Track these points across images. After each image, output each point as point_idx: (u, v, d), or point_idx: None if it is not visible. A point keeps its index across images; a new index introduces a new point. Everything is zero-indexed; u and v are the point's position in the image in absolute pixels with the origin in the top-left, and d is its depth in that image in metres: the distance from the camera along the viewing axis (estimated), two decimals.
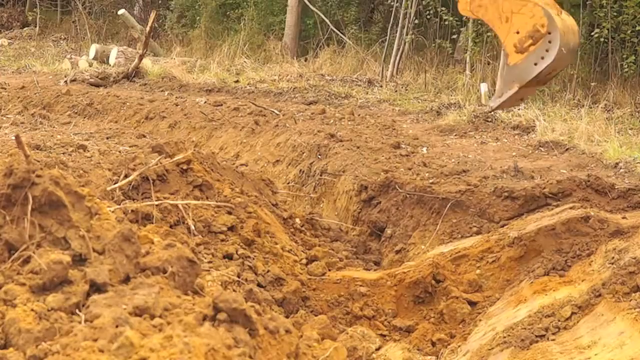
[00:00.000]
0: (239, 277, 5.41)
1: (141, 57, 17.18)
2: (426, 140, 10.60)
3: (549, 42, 5.31)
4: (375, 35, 19.80)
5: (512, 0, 5.36)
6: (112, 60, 19.10)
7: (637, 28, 13.45)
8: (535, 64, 5.35)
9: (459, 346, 5.33)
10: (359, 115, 12.15)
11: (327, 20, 19.08)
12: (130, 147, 9.50)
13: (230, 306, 2.78)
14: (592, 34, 13.99)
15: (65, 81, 16.44)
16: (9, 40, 23.98)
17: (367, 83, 16.06)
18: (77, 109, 14.17)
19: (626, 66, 13.43)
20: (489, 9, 5.42)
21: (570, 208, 6.59)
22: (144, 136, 11.46)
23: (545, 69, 5.39)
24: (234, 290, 5.00)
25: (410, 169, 8.55)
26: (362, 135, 10.22)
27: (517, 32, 5.33)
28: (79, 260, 2.97)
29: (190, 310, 2.83)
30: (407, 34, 16.32)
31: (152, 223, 5.32)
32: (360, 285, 6.23)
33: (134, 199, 5.84)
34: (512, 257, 6.35)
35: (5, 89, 15.59)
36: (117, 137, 10.71)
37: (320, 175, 9.13)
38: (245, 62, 18.62)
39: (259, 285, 5.57)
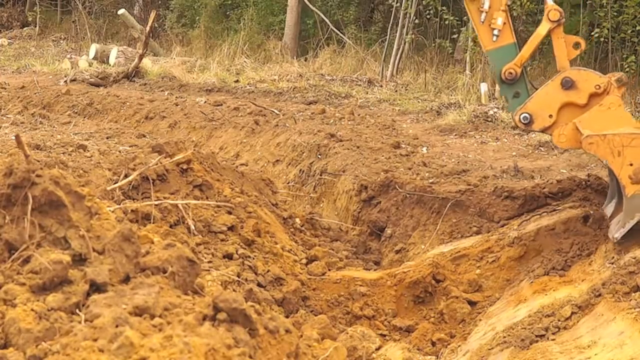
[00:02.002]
0: (239, 277, 5.41)
1: (141, 57, 17.18)
2: (426, 140, 10.60)
3: None
4: (375, 35, 19.81)
5: (621, 135, 5.50)
6: (112, 60, 19.10)
7: (637, 28, 13.45)
8: None
9: (459, 346, 5.33)
10: (359, 115, 12.15)
11: (327, 20, 19.08)
12: (130, 147, 9.51)
13: (230, 306, 2.78)
14: (592, 33, 14.00)
15: (65, 81, 16.45)
16: (9, 40, 23.99)
17: (367, 83, 16.06)
18: (77, 109, 14.17)
19: (626, 66, 13.43)
20: (600, 145, 5.52)
21: (570, 207, 6.59)
22: (144, 136, 11.46)
23: None
24: (234, 290, 5.00)
25: (410, 169, 8.55)
26: (362, 135, 10.22)
27: (631, 164, 5.46)
28: (79, 260, 2.97)
29: (190, 310, 2.83)
30: (407, 34, 16.32)
31: (152, 223, 5.32)
32: (360, 285, 6.23)
33: (134, 199, 5.84)
34: (512, 256, 6.34)
35: (5, 88, 15.59)
36: (117, 137, 10.71)
37: (320, 175, 9.13)
38: (245, 62, 18.62)
39: (259, 285, 5.57)
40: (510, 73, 5.98)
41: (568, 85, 5.84)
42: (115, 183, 5.92)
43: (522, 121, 5.94)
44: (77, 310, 2.74)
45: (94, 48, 19.85)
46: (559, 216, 6.45)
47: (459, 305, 5.98)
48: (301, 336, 3.42)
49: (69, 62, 19.09)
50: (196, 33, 21.55)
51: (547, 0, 6.07)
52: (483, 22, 5.95)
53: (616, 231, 5.46)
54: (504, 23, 5.94)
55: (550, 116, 5.89)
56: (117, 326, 2.58)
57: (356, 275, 6.38)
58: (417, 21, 16.97)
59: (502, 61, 6.00)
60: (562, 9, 6.12)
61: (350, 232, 7.87)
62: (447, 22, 15.46)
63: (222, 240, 5.86)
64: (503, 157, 9.43)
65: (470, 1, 5.95)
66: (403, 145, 9.83)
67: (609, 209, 6.17)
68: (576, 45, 6.02)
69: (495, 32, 5.95)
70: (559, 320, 4.73)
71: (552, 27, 5.93)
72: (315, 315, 5.63)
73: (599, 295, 4.72)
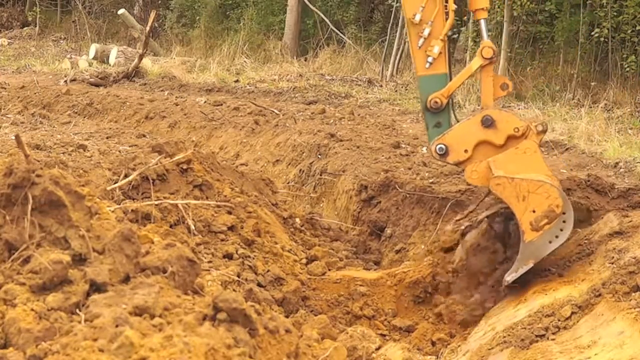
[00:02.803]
0: (238, 276, 5.41)
1: (141, 57, 17.18)
2: (426, 140, 10.58)
3: (564, 221, 5.54)
4: (375, 35, 19.81)
5: (529, 181, 5.54)
6: (112, 60, 19.10)
7: (637, 28, 13.45)
8: (550, 242, 5.55)
9: (459, 346, 5.33)
10: (359, 115, 12.15)
11: (327, 20, 19.08)
12: (130, 146, 9.51)
13: (230, 306, 2.78)
14: (592, 33, 14.00)
15: (65, 81, 16.44)
16: (9, 40, 23.98)
17: (367, 83, 16.06)
18: (77, 109, 14.17)
19: (627, 66, 13.43)
20: (507, 187, 5.57)
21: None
22: (144, 136, 11.46)
23: (559, 247, 5.61)
24: (234, 290, 5.00)
25: (410, 169, 8.55)
26: (362, 135, 10.22)
27: (534, 211, 5.51)
28: (79, 260, 2.97)
29: (190, 310, 2.83)
30: (407, 34, 16.31)
31: (152, 223, 5.32)
32: (360, 285, 6.24)
33: (134, 199, 5.84)
34: None
35: (5, 88, 15.59)
36: (117, 137, 10.71)
37: (320, 175, 9.13)
38: (245, 61, 18.62)
39: (258, 284, 5.57)
40: (436, 102, 5.96)
41: (488, 123, 5.84)
42: (115, 183, 5.93)
43: (438, 152, 5.93)
44: (77, 310, 2.74)
45: (94, 48, 19.85)
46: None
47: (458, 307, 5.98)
48: (301, 336, 3.42)
49: (69, 62, 19.09)
50: (196, 33, 21.56)
51: (483, 37, 6.09)
52: (420, 47, 5.94)
53: (508, 274, 5.54)
54: (440, 53, 5.93)
55: (466, 151, 5.89)
56: (117, 326, 2.58)
57: (356, 275, 6.38)
58: None
59: (430, 89, 5.98)
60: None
61: (350, 232, 7.87)
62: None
63: (222, 240, 5.86)
64: None
65: (412, 24, 5.94)
66: (403, 145, 9.83)
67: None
68: (504, 86, 6.02)
69: (430, 59, 5.94)
70: (559, 320, 4.73)
71: (484, 64, 5.95)
72: (315, 315, 5.63)
73: (599, 295, 4.72)
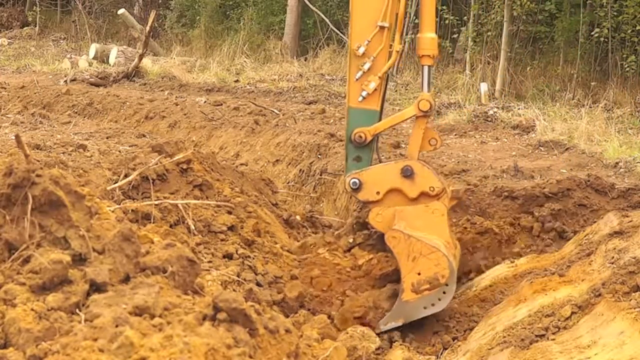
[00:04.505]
0: (238, 276, 5.41)
1: (141, 57, 17.18)
2: None
3: (444, 292, 5.64)
4: None
5: (424, 243, 5.62)
6: (112, 60, 19.09)
7: (637, 28, 13.45)
8: (425, 308, 5.66)
9: (459, 346, 5.33)
10: None
11: (327, 20, 18.99)
12: (130, 146, 9.51)
13: (230, 306, 2.78)
14: (592, 33, 13.99)
15: (65, 81, 16.44)
16: (9, 40, 23.97)
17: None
18: (77, 109, 14.17)
19: (627, 66, 13.43)
20: (401, 243, 5.64)
21: None
22: (144, 136, 11.46)
23: (431, 315, 5.71)
24: (233, 290, 5.00)
25: None
26: None
27: (419, 274, 5.61)
28: (79, 259, 2.97)
29: (190, 310, 2.84)
30: (406, 34, 16.30)
31: (152, 223, 5.32)
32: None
33: (133, 199, 5.85)
34: None
35: (5, 88, 15.59)
36: (117, 137, 10.72)
37: (320, 175, 9.13)
38: (245, 61, 18.61)
39: (258, 284, 5.57)
40: (360, 137, 5.93)
41: (407, 174, 5.85)
42: (115, 183, 5.93)
43: (351, 185, 5.92)
44: (77, 310, 2.74)
45: (94, 48, 19.84)
46: None
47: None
48: (301, 336, 3.42)
49: (68, 62, 19.08)
50: (196, 33, 21.54)
51: (424, 89, 6.07)
52: (357, 79, 5.91)
53: (382, 322, 5.62)
54: (376, 90, 5.91)
55: (378, 193, 5.90)
56: (117, 326, 2.58)
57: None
58: (417, 21, 16.93)
59: (358, 122, 5.95)
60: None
61: None
62: (447, 22, 15.44)
63: (222, 240, 5.86)
64: (503, 157, 9.43)
65: (354, 56, 5.90)
66: (403, 145, 9.82)
67: None
68: (432, 141, 6.02)
69: (364, 93, 5.90)
70: (559, 320, 4.73)
71: (419, 115, 5.95)
72: (315, 315, 5.63)
73: (599, 295, 4.72)
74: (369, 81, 5.89)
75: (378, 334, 5.52)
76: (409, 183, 5.85)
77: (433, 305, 5.63)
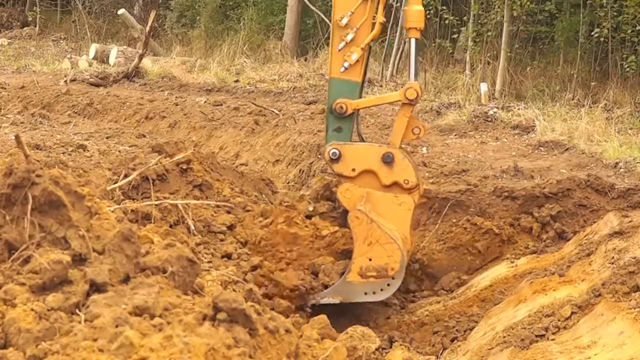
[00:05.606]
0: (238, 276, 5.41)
1: (141, 57, 17.17)
2: (426, 140, 10.58)
3: (388, 285, 5.69)
4: None
5: (384, 232, 5.64)
6: (112, 60, 19.09)
7: (637, 28, 13.44)
8: (365, 294, 5.71)
9: (459, 346, 5.33)
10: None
11: (327, 20, 19.01)
12: (130, 146, 9.51)
13: (230, 306, 2.78)
14: (592, 33, 13.99)
15: (65, 81, 16.43)
16: (9, 40, 23.97)
17: (367, 83, 16.03)
18: (77, 109, 14.16)
19: (627, 66, 13.42)
20: (362, 225, 5.66)
21: None
22: (144, 136, 11.46)
23: (369, 302, 5.78)
24: (233, 290, 5.00)
25: None
26: None
27: (370, 259, 5.65)
28: (79, 260, 2.97)
29: (190, 310, 2.83)
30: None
31: (152, 223, 5.32)
32: None
33: (133, 199, 5.85)
34: None
35: (5, 88, 15.58)
36: (117, 137, 10.72)
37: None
38: (245, 61, 18.61)
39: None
40: (341, 107, 5.94)
41: (387, 160, 5.88)
42: (115, 183, 5.93)
43: (331, 156, 5.93)
44: (77, 310, 2.74)
45: (93, 48, 19.84)
46: None
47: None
48: (301, 336, 3.42)
49: (68, 62, 19.08)
50: (196, 33, 21.54)
51: (411, 77, 6.06)
52: (339, 50, 5.93)
53: (321, 297, 5.65)
54: (358, 61, 5.93)
55: (353, 170, 5.91)
56: (117, 326, 2.58)
57: None
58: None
59: (339, 93, 5.97)
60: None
61: None
62: (447, 22, 15.45)
63: (221, 240, 5.86)
64: (503, 157, 9.42)
65: (337, 27, 5.91)
66: (403, 145, 9.82)
67: None
68: (416, 130, 6.04)
69: (346, 64, 5.92)
70: (559, 320, 4.73)
71: (404, 103, 5.96)
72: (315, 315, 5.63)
73: (599, 295, 4.72)
74: (351, 52, 5.91)
75: (312, 307, 5.55)
76: (386, 169, 5.87)
77: (374, 293, 5.68)
